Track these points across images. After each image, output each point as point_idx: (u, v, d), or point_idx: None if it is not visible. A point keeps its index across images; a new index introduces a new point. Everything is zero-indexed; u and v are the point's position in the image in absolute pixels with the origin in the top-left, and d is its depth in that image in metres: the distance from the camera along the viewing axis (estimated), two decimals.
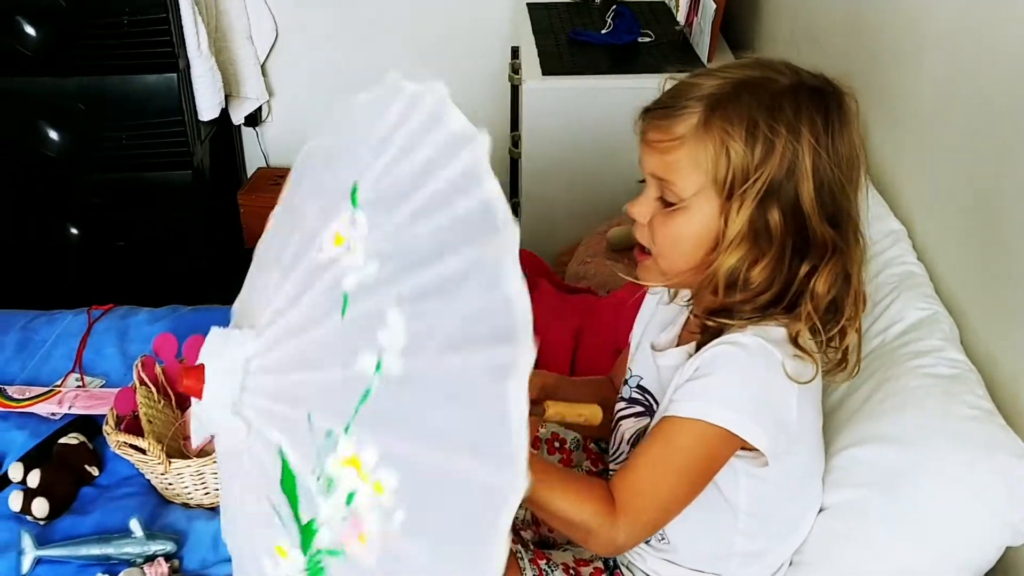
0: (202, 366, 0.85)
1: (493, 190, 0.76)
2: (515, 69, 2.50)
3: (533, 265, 2.00)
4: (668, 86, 1.07)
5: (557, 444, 1.41)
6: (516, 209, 2.51)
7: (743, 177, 0.99)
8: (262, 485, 0.86)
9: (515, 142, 2.49)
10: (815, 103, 1.01)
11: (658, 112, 1.04)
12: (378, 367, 0.77)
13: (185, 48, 2.52)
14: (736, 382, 1.02)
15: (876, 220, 1.44)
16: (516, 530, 1.30)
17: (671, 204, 1.04)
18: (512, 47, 2.66)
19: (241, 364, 0.85)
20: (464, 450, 0.74)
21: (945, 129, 1.38)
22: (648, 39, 2.45)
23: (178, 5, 2.45)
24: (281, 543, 0.85)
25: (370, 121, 0.88)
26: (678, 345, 1.14)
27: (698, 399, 1.02)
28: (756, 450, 1.02)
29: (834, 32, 1.84)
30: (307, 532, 0.82)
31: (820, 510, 1.17)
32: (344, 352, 0.80)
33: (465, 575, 0.74)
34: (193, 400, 0.86)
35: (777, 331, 1.04)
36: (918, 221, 1.44)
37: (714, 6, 2.24)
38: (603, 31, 2.46)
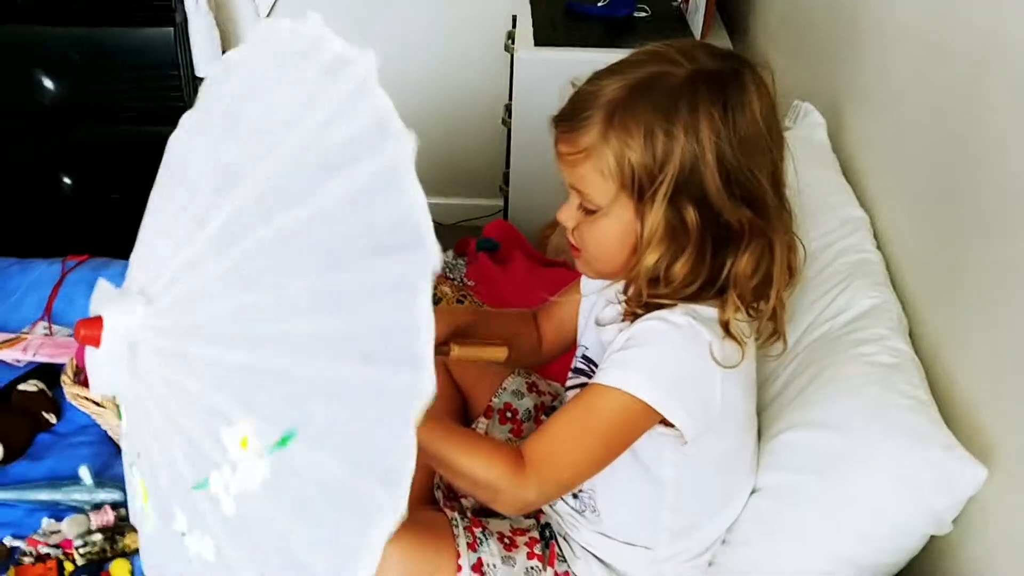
0: (99, 317, 0.85)
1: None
2: (512, 38, 2.48)
3: (508, 235, 2.00)
4: (573, 89, 1.07)
5: (509, 415, 1.42)
6: (507, 179, 2.51)
7: (649, 180, 1.01)
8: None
9: (509, 112, 2.49)
10: (712, 93, 1.01)
11: (563, 124, 1.06)
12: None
13: (183, 2, 2.52)
14: (661, 357, 1.03)
15: (838, 207, 1.44)
16: (455, 497, 1.31)
17: (592, 211, 1.05)
18: (512, 16, 2.64)
19: (137, 319, 0.84)
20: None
21: (911, 118, 1.36)
22: (644, 14, 2.42)
23: None
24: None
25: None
26: (622, 321, 1.14)
27: (621, 368, 1.03)
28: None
29: (816, 16, 1.81)
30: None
31: (754, 491, 1.18)
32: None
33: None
34: (89, 350, 0.87)
35: (709, 311, 1.05)
36: (882, 209, 1.43)
37: None
38: (599, 3, 2.44)
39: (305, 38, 0.82)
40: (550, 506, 1.23)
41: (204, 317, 0.81)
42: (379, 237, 0.73)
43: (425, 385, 0.69)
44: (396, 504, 0.70)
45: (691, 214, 1.01)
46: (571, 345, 1.27)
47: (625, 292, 1.10)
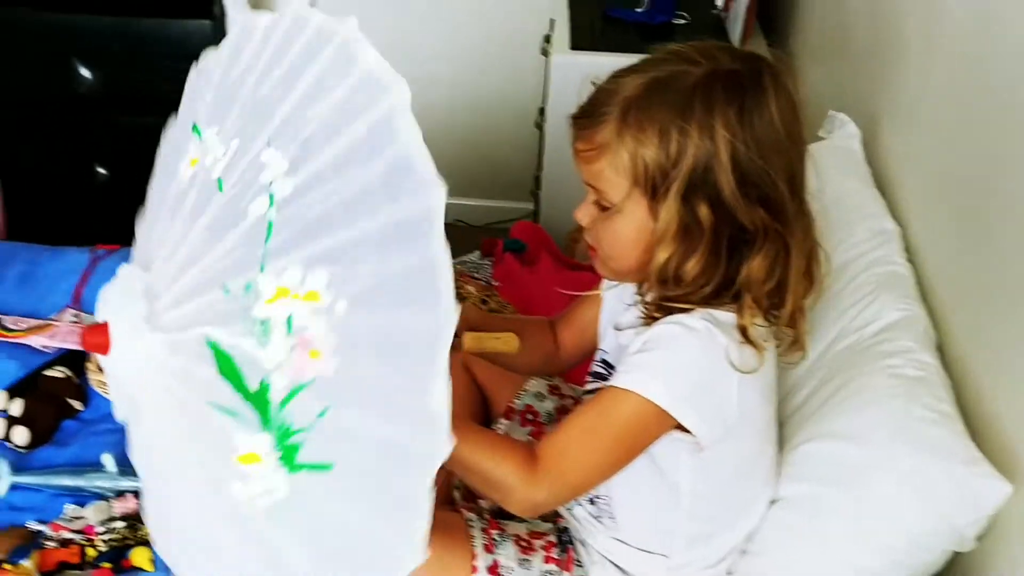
0: (105, 323, 0.87)
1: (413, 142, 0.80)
2: (548, 41, 2.48)
3: (535, 237, 2.00)
4: (593, 88, 1.08)
5: (530, 417, 1.42)
6: (538, 182, 2.51)
7: (662, 177, 1.01)
8: (196, 400, 0.86)
9: (543, 115, 2.48)
10: (728, 94, 1.00)
11: (580, 122, 1.06)
12: (271, 201, 0.81)
13: None
14: (677, 362, 1.03)
15: (869, 219, 1.43)
16: (473, 498, 1.31)
17: (607, 208, 1.05)
18: (550, 19, 2.64)
19: (142, 306, 0.87)
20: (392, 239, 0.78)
21: (948, 131, 1.34)
22: (683, 20, 2.41)
23: None
24: (242, 448, 0.84)
25: (269, 53, 0.90)
26: (641, 325, 1.14)
27: (637, 372, 1.03)
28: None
29: (858, 27, 1.80)
30: (261, 401, 0.82)
31: (775, 501, 1.17)
32: (234, 216, 0.83)
33: (422, 323, 0.78)
34: (101, 359, 0.88)
35: (727, 316, 1.04)
36: (914, 222, 1.41)
37: None
38: (638, 9, 2.43)
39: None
40: (567, 510, 1.23)
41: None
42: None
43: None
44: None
45: (705, 213, 1.00)
46: (591, 350, 1.26)
47: (639, 292, 1.10)
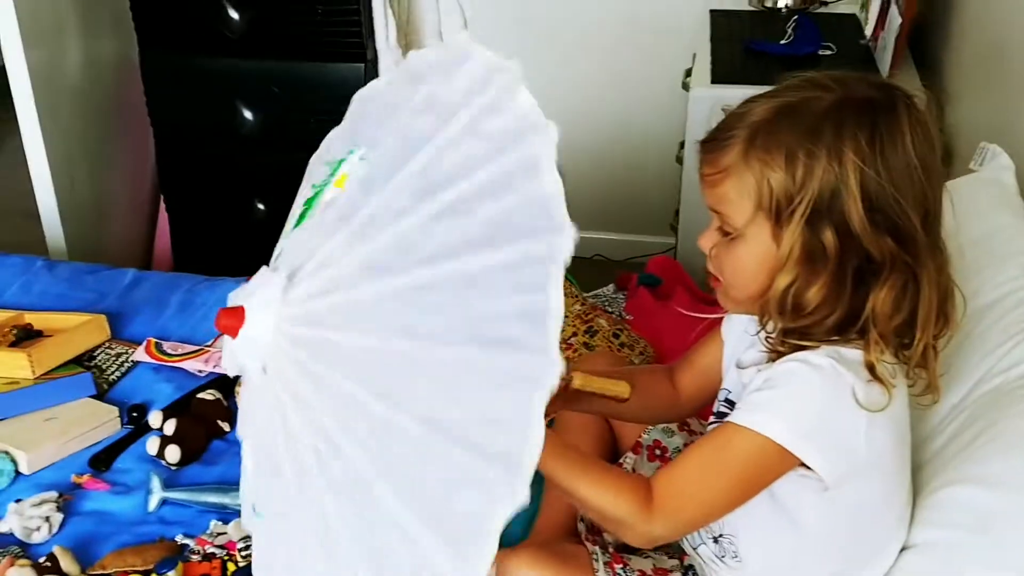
0: (241, 308, 0.88)
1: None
2: (689, 74, 2.47)
3: (671, 272, 1.98)
4: (721, 116, 1.07)
5: (658, 452, 1.40)
6: (678, 217, 2.49)
7: (787, 201, 0.99)
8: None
9: (683, 147, 2.47)
10: (860, 119, 0.98)
11: (707, 145, 1.06)
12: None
13: (374, 40, 2.63)
14: (799, 400, 1.00)
15: (1021, 255, 1.36)
16: (598, 531, 1.30)
17: (730, 234, 1.04)
18: (693, 54, 2.63)
19: (277, 305, 0.88)
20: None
21: None
22: (829, 52, 2.36)
23: None
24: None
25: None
26: (765, 363, 1.11)
27: (758, 411, 1.01)
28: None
29: (1015, 55, 1.72)
30: None
31: (908, 547, 1.12)
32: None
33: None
34: (226, 340, 0.91)
35: (853, 353, 1.01)
36: None
37: (900, 20, 2.14)
38: (782, 41, 2.40)
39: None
40: (692, 548, 1.21)
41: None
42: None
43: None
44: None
45: (830, 239, 0.98)
46: (715, 392, 1.23)
47: (761, 323, 1.08)
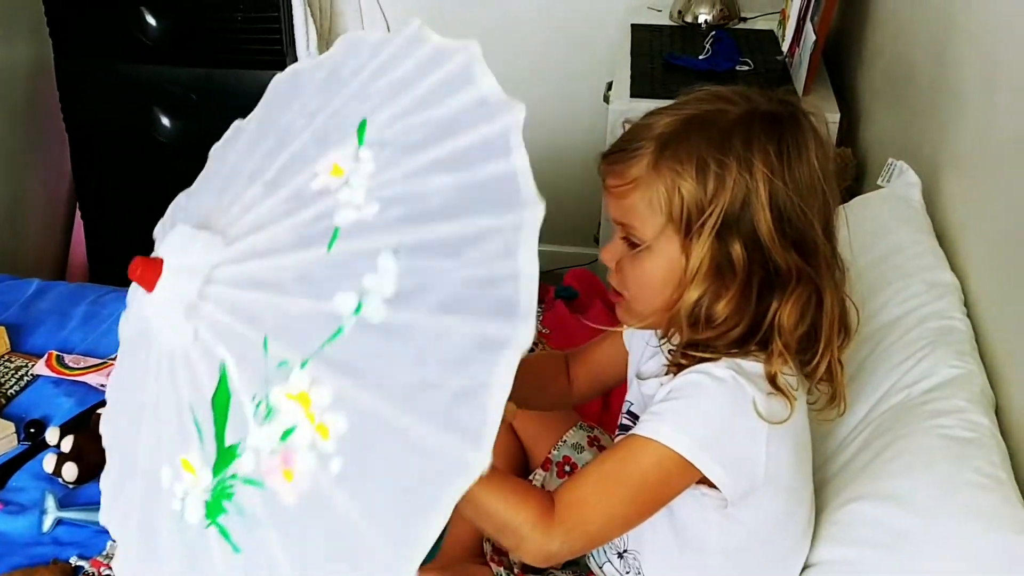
0: (160, 259, 0.82)
1: (521, 163, 0.76)
2: (610, 88, 2.48)
3: (589, 285, 1.98)
4: (626, 128, 1.06)
5: (568, 468, 1.39)
6: (599, 228, 2.49)
7: (698, 213, 0.98)
8: (189, 395, 0.82)
9: None
10: (767, 132, 0.98)
11: (612, 157, 1.04)
12: (357, 309, 0.75)
13: (294, 47, 2.60)
14: (700, 411, 1.00)
15: (927, 270, 1.37)
16: (503, 552, 1.28)
17: (637, 246, 1.03)
18: (615, 68, 2.64)
19: (205, 269, 0.82)
20: (429, 416, 0.72)
21: (1013, 182, 1.29)
22: (747, 67, 2.38)
23: (290, 5, 2.54)
24: (190, 458, 0.81)
25: (384, 61, 0.87)
26: (665, 375, 1.11)
27: (659, 420, 1.00)
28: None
29: (920, 73, 1.75)
30: (226, 455, 0.79)
31: (811, 565, 1.12)
32: (322, 285, 0.77)
33: (388, 545, 0.71)
34: (138, 288, 0.84)
35: (754, 366, 1.01)
36: (975, 276, 1.35)
37: (814, 37, 2.17)
38: (701, 56, 2.42)
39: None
40: (598, 567, 1.19)
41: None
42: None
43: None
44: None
45: (738, 252, 0.97)
46: (604, 390, 1.24)
47: (665, 336, 1.06)
